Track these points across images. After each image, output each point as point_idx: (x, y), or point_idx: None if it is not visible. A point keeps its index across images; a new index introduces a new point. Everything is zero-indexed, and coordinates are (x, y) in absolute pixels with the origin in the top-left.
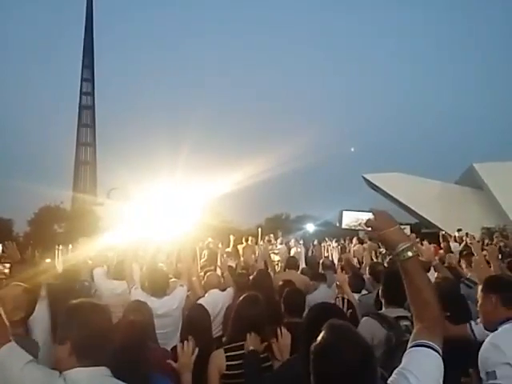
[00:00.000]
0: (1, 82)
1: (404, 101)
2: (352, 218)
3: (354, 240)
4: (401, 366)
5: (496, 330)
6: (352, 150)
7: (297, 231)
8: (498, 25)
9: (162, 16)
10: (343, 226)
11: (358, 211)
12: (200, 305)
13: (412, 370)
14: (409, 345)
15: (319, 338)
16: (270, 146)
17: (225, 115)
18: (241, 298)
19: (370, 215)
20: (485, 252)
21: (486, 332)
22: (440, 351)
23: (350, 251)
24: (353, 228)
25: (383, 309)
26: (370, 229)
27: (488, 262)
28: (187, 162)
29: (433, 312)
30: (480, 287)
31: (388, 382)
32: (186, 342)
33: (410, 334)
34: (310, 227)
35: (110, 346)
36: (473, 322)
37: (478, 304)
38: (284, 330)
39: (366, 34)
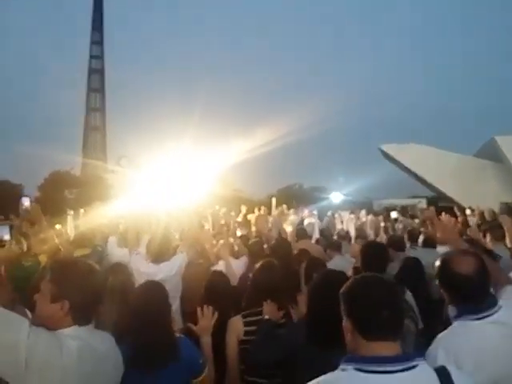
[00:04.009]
0: (9, 47)
1: (424, 70)
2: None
3: (363, 212)
4: None
5: None
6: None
7: (310, 201)
8: None
9: None
10: None
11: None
12: (220, 271)
13: None
14: None
15: (349, 283)
16: (283, 114)
17: (237, 82)
18: (257, 265)
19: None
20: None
21: None
22: None
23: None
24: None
25: None
26: None
27: None
28: (199, 128)
29: None
30: None
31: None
32: (205, 305)
33: None
34: (336, 197)
35: (100, 307)
36: None
37: None
38: (303, 297)
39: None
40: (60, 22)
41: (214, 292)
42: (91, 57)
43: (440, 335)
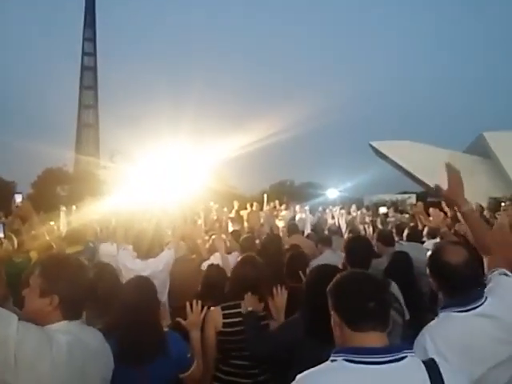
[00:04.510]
0: (1, 43)
1: (417, 67)
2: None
3: (353, 207)
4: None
5: None
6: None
7: (301, 197)
8: None
9: None
10: None
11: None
12: (216, 265)
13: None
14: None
15: (334, 279)
16: (277, 110)
17: (230, 78)
18: (238, 259)
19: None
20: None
21: None
22: None
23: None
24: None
25: None
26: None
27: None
28: (192, 124)
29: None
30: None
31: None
32: (194, 300)
33: None
34: (332, 193)
35: (89, 302)
36: None
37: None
38: (280, 289)
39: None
40: (52, 18)
41: (213, 286)
42: (84, 54)
43: (427, 326)
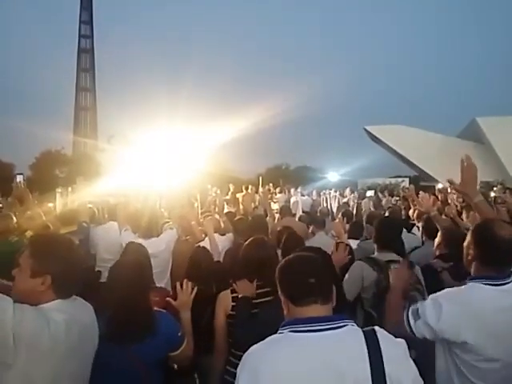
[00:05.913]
0: None
1: (409, 53)
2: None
3: (347, 190)
4: None
5: None
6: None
7: (297, 181)
8: None
9: None
10: None
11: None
12: (202, 247)
13: None
14: None
15: (279, 264)
16: (274, 93)
17: (228, 61)
18: (248, 240)
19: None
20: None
21: None
22: None
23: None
24: None
25: (375, 253)
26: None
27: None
28: (189, 107)
29: None
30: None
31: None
32: (185, 281)
33: None
34: (333, 176)
35: (80, 280)
36: None
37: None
38: None
39: None
40: (49, 1)
41: (197, 267)
42: (80, 36)
43: (446, 291)
